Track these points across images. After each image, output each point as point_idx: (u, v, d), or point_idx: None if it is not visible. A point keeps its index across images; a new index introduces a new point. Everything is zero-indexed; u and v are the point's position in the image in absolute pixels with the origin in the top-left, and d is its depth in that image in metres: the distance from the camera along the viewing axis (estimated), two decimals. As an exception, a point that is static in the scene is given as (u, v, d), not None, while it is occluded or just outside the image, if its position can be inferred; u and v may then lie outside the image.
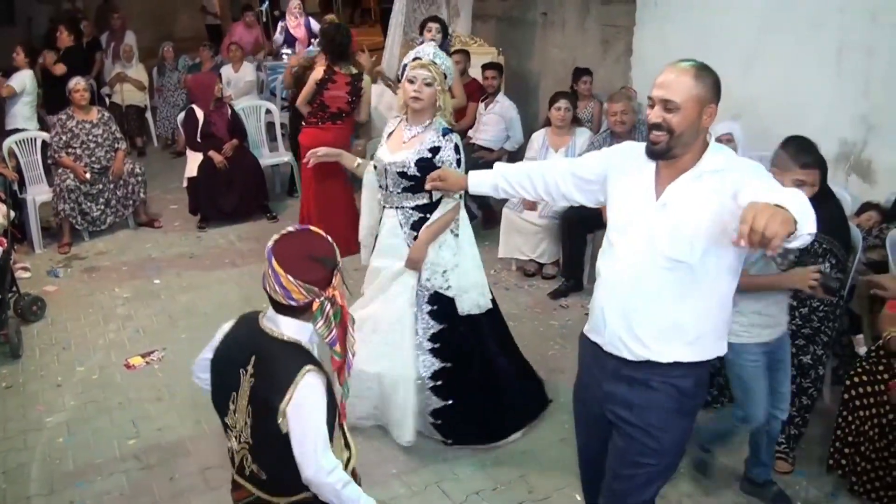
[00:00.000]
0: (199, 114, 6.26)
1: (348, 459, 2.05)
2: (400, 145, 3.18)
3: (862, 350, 3.22)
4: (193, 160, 6.29)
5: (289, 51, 8.60)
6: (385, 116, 5.70)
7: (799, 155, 2.70)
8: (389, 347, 3.26)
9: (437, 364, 3.28)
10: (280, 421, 1.83)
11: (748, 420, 2.84)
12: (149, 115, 8.89)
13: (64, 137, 5.83)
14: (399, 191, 3.19)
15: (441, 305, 3.26)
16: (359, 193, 3.68)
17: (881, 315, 2.88)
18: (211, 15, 11.42)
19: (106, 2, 10.59)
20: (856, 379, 3.02)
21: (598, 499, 2.37)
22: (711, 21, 5.14)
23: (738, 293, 2.59)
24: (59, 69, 7.06)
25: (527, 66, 7.24)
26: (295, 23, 8.76)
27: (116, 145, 6.08)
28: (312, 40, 8.38)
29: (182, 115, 6.65)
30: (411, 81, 3.11)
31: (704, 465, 3.18)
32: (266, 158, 6.93)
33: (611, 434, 2.26)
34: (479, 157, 5.72)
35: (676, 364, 2.11)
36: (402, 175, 3.14)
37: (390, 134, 3.27)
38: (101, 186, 5.96)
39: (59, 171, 5.89)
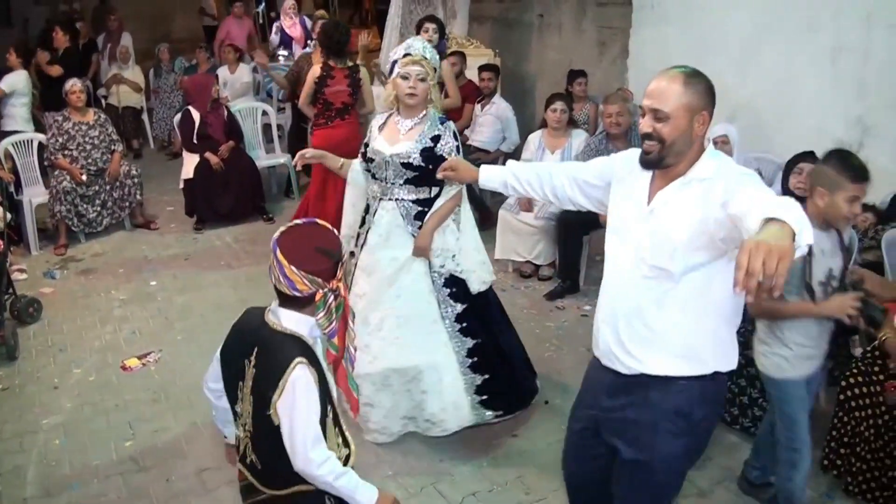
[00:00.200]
0: (196, 115, 6.25)
1: (347, 457, 2.06)
2: (399, 137, 3.21)
3: (857, 351, 3.22)
4: (190, 162, 6.29)
5: (285, 52, 8.58)
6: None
7: (847, 170, 2.50)
8: (423, 337, 3.28)
9: (469, 342, 3.36)
10: (271, 412, 1.85)
11: (795, 463, 2.68)
12: (145, 116, 8.91)
13: (60, 139, 5.82)
14: (401, 182, 3.21)
15: (458, 287, 3.34)
16: None
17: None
18: (209, 17, 11.41)
19: (102, 3, 10.57)
20: (851, 380, 3.03)
21: None
22: (707, 23, 5.17)
23: (778, 323, 2.53)
24: (56, 70, 7.04)
25: (523, 67, 7.26)
26: (290, 23, 8.73)
27: (113, 147, 6.07)
28: (309, 42, 8.36)
29: (178, 116, 6.64)
30: (405, 78, 3.15)
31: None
32: (262, 160, 6.93)
33: (601, 456, 2.23)
34: (475, 159, 5.71)
35: (669, 378, 2.04)
36: (407, 166, 3.16)
37: (381, 127, 3.29)
38: (97, 188, 5.95)
39: (56, 172, 5.89)
